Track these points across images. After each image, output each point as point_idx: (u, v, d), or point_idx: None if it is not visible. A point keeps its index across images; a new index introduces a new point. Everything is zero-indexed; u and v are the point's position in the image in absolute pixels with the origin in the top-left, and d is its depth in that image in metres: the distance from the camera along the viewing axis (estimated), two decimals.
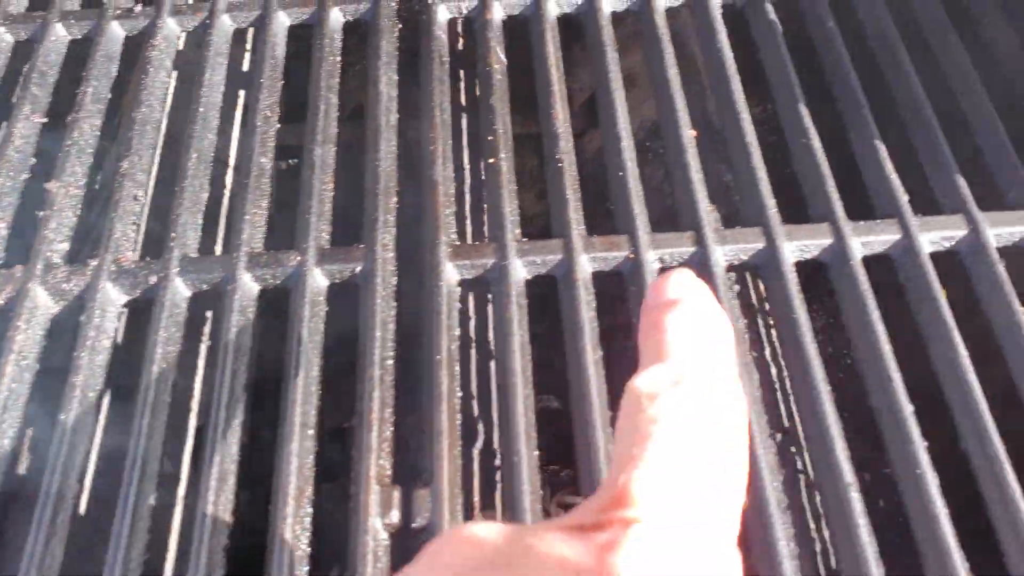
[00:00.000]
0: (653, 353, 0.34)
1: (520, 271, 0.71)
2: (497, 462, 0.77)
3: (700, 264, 0.71)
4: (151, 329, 0.68)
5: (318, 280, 0.70)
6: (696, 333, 0.34)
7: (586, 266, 0.71)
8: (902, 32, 0.85)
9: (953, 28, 0.85)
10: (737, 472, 0.32)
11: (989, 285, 0.70)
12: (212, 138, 0.80)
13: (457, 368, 0.67)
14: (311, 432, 0.64)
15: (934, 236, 0.72)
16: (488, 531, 0.29)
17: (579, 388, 0.65)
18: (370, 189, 0.74)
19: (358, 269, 0.71)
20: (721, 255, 0.71)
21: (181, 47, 0.94)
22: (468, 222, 0.91)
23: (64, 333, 0.71)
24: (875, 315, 0.67)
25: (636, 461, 0.29)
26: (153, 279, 0.70)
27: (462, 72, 1.00)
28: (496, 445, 0.78)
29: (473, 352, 0.84)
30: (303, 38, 0.88)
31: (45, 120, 0.80)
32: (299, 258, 0.71)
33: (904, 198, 0.73)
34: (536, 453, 0.63)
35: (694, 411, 0.31)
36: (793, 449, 0.74)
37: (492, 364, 0.82)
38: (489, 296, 0.82)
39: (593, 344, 0.67)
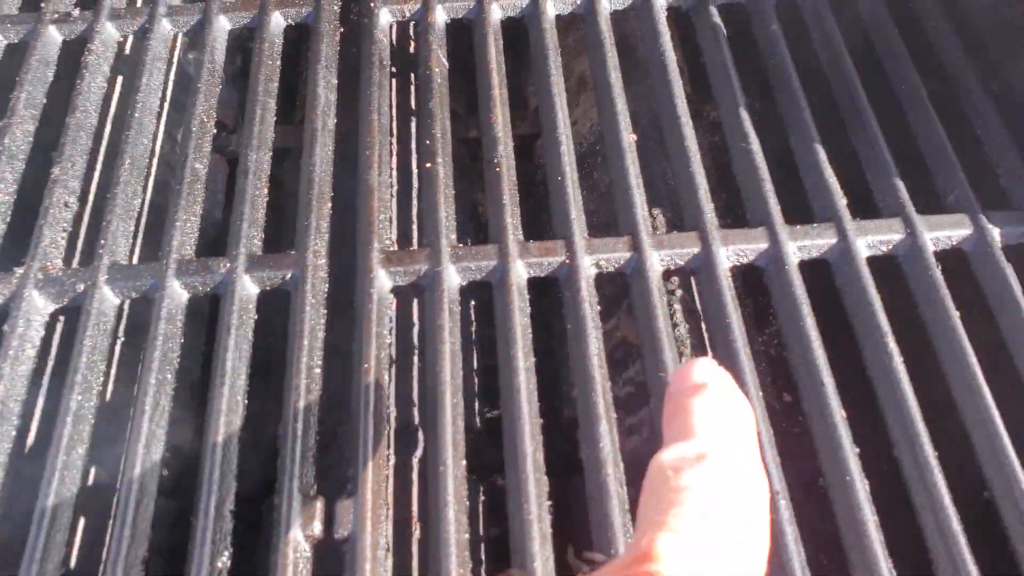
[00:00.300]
0: (678, 432, 0.36)
1: (454, 277, 0.70)
2: None
3: (636, 269, 0.70)
4: (77, 338, 0.67)
5: (248, 287, 0.69)
6: (720, 414, 0.36)
7: (521, 272, 0.70)
8: (846, 36, 0.85)
9: (898, 32, 0.84)
10: (758, 542, 0.34)
11: (926, 289, 0.69)
12: (147, 143, 0.79)
13: (387, 377, 0.66)
14: (235, 445, 0.63)
15: (871, 240, 0.71)
16: None
17: (509, 396, 0.64)
18: (303, 195, 0.74)
19: (288, 276, 0.70)
20: (657, 260, 0.70)
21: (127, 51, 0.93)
22: (415, 227, 0.90)
23: None
24: (809, 320, 0.67)
25: (659, 525, 0.31)
26: (80, 287, 0.69)
27: (412, 75, 1.00)
28: None
29: (416, 359, 0.84)
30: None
31: None
32: (228, 265, 0.70)
33: (842, 201, 0.73)
34: (464, 463, 0.62)
35: (717, 483, 0.33)
36: None
37: None
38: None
39: (525, 351, 0.66)
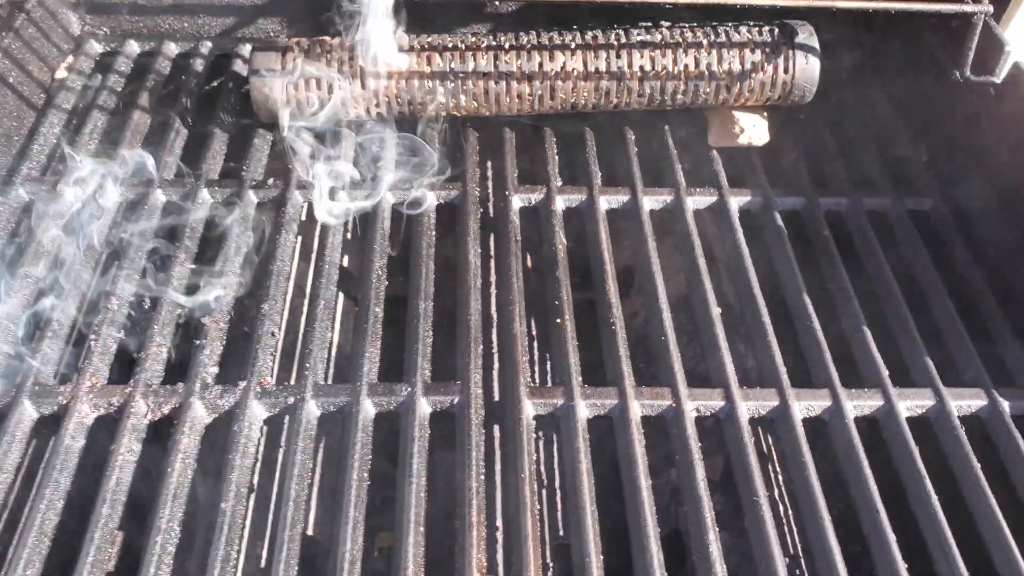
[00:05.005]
0: None
1: (584, 411, 0.89)
2: None
3: (728, 415, 0.89)
4: (288, 443, 0.84)
5: (423, 407, 0.87)
6: None
7: (637, 411, 0.89)
8: (879, 240, 1.07)
9: (923, 245, 1.07)
10: None
11: (952, 446, 0.88)
12: (334, 291, 0.98)
13: (533, 496, 0.83)
14: (421, 552, 0.79)
15: (910, 404, 0.91)
16: None
17: (635, 520, 0.81)
18: (462, 337, 0.93)
19: (455, 400, 0.88)
20: (745, 409, 0.89)
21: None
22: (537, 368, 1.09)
23: None
24: (866, 469, 0.85)
25: None
26: (291, 400, 0.87)
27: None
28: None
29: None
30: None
31: (193, 266, 0.99)
32: (409, 389, 0.88)
33: (885, 371, 0.93)
34: None
35: None
36: (797, 573, 0.90)
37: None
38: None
39: (645, 474, 0.84)
